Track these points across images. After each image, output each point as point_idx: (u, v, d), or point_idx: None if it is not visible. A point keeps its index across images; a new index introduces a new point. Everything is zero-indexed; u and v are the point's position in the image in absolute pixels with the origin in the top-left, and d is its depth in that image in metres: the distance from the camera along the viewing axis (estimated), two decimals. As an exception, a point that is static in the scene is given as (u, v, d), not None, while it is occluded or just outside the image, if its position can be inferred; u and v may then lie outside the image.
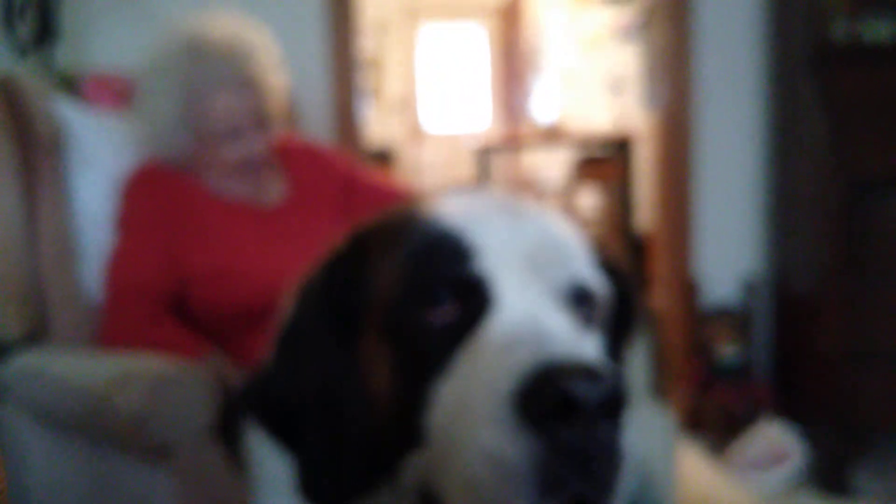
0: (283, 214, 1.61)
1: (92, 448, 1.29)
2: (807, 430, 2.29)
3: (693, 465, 2.36)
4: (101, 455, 1.28)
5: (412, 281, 0.60)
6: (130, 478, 1.25)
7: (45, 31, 2.15)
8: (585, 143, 5.05)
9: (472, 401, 0.53)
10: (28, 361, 1.41)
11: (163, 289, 1.42)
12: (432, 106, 8.91)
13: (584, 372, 0.49)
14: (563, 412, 0.48)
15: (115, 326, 1.38)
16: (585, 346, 0.62)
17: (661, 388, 1.53)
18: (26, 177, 1.58)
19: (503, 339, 0.55)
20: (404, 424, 0.58)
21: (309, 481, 0.63)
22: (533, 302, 0.59)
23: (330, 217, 1.65)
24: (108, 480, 1.30)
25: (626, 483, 0.52)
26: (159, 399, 1.14)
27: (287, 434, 0.65)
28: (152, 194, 1.51)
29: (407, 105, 8.83)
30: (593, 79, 5.66)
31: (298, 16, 2.43)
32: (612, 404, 0.49)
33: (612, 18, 5.01)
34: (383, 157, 8.57)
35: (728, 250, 2.61)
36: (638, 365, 1.46)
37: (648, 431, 1.50)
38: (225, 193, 1.58)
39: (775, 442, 2.32)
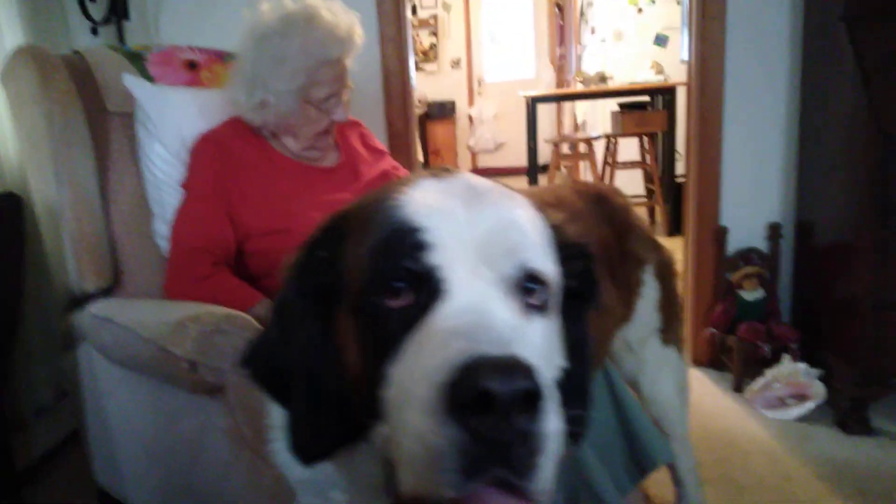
0: (335, 174, 1.68)
1: (156, 384, 1.37)
2: (828, 371, 2.25)
3: (717, 401, 2.37)
4: (163, 390, 1.35)
5: (373, 270, 0.62)
6: (189, 409, 1.33)
7: (115, 10, 2.21)
8: (630, 93, 4.89)
9: (411, 385, 0.55)
10: (101, 309, 1.50)
11: (222, 245, 1.48)
12: (489, 62, 8.79)
13: (503, 368, 0.50)
14: (481, 405, 0.49)
15: (177, 280, 1.45)
16: (530, 331, 0.62)
17: (671, 332, 1.53)
18: (100, 144, 1.66)
19: (444, 329, 0.56)
20: (370, 395, 0.60)
21: (293, 435, 0.67)
22: (481, 292, 0.60)
23: (378, 176, 1.73)
24: (171, 411, 1.39)
25: (554, 468, 0.53)
26: (208, 346, 1.20)
27: (279, 392, 0.69)
28: (217, 156, 1.56)
29: (465, 62, 8.74)
30: (641, 32, 5.47)
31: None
32: (528, 398, 0.50)
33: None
34: (445, 111, 8.58)
35: (756, 197, 2.53)
36: (648, 312, 1.47)
37: (658, 373, 1.52)
38: (292, 157, 1.65)
39: (796, 381, 2.29)
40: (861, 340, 2.05)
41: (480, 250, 0.62)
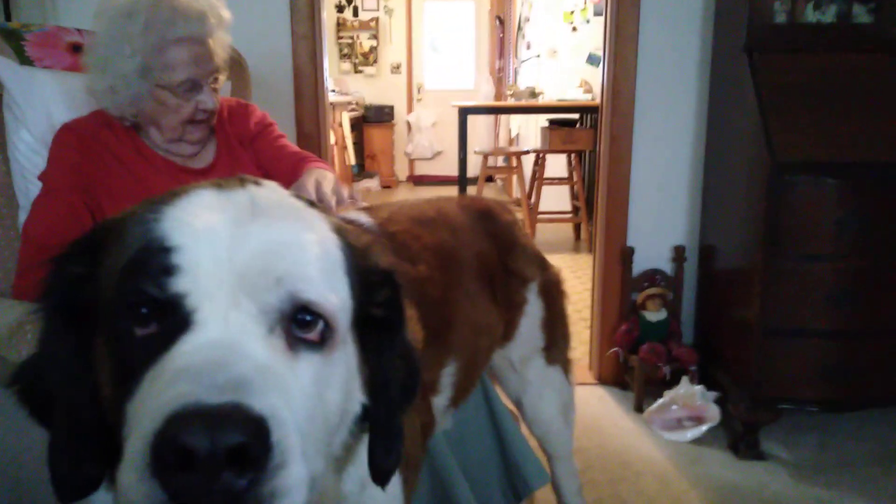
0: (208, 174, 1.56)
1: (2, 391, 1.26)
2: (724, 394, 2.29)
3: (616, 420, 2.38)
4: (10, 398, 1.25)
5: (119, 292, 0.56)
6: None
7: (3, -15, 2.08)
8: (559, 109, 4.94)
9: (131, 430, 0.49)
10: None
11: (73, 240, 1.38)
12: (430, 69, 8.79)
13: (209, 420, 0.45)
14: (182, 462, 0.44)
15: (25, 278, 1.34)
16: (295, 370, 0.56)
17: (556, 352, 1.51)
18: (-36, 128, 1.54)
19: (174, 368, 0.51)
20: (119, 431, 0.54)
21: (51, 465, 0.60)
22: (234, 325, 0.54)
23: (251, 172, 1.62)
24: (18, 421, 1.28)
25: None
26: (49, 351, 1.10)
27: (43, 416, 0.62)
28: (78, 147, 1.44)
29: (406, 67, 8.72)
30: (575, 50, 5.55)
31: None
32: (242, 454, 0.45)
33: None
34: (382, 115, 8.52)
35: (663, 219, 2.57)
36: (531, 330, 1.44)
37: (542, 393, 1.49)
38: (160, 151, 1.53)
39: (693, 403, 2.32)
40: (751, 365, 2.08)
41: (242, 277, 0.55)
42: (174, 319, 0.54)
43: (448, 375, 1.13)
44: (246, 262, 0.56)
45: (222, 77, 1.57)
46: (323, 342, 0.59)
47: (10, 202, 1.58)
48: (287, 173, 1.59)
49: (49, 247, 1.32)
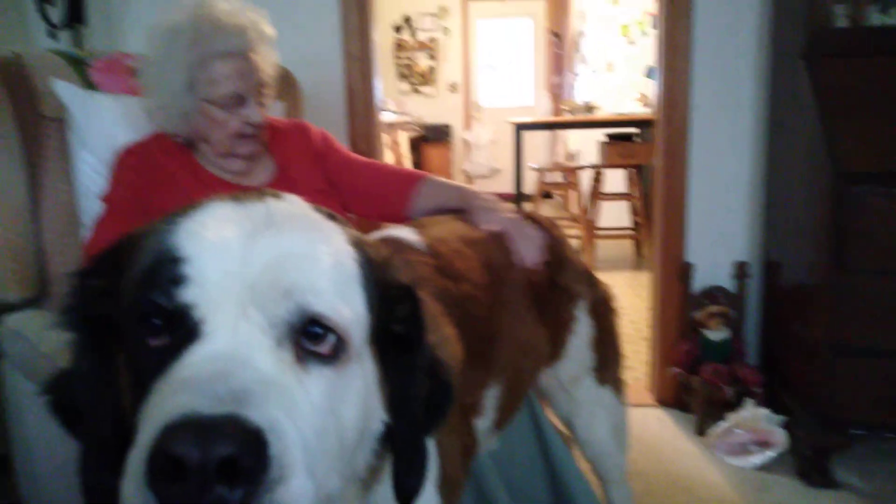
0: None
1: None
2: (791, 418, 2.18)
3: (677, 443, 2.30)
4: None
5: (133, 303, 0.57)
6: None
7: (74, 15, 2.19)
8: (616, 123, 4.87)
9: (137, 440, 0.50)
10: (15, 321, 1.44)
11: None
12: (487, 87, 8.83)
13: (202, 431, 0.45)
14: (174, 473, 0.44)
15: (85, 294, 1.39)
16: (304, 384, 0.55)
17: (607, 372, 1.47)
18: (33, 149, 1.61)
19: (179, 378, 0.51)
20: None
21: (81, 475, 0.61)
22: (242, 336, 0.53)
23: (315, 197, 1.63)
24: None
25: None
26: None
27: (75, 426, 0.64)
28: (136, 168, 1.50)
29: (462, 87, 8.78)
30: (631, 63, 5.48)
31: (316, 4, 2.39)
32: (231, 468, 0.45)
33: (648, 5, 4.81)
34: (440, 133, 8.59)
35: (723, 234, 2.48)
36: (581, 349, 1.40)
37: (593, 415, 1.45)
38: (215, 170, 1.57)
39: (759, 427, 2.22)
40: (820, 387, 1.98)
41: (251, 289, 0.55)
42: (183, 330, 0.54)
43: (492, 397, 1.11)
44: (256, 274, 0.56)
45: (269, 92, 1.60)
46: (335, 356, 0.58)
47: (73, 221, 1.64)
48: (374, 185, 1.63)
49: None
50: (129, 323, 0.57)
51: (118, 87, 1.76)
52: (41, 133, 1.64)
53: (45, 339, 1.26)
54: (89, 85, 1.72)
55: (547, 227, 1.38)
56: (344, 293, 0.60)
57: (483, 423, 1.10)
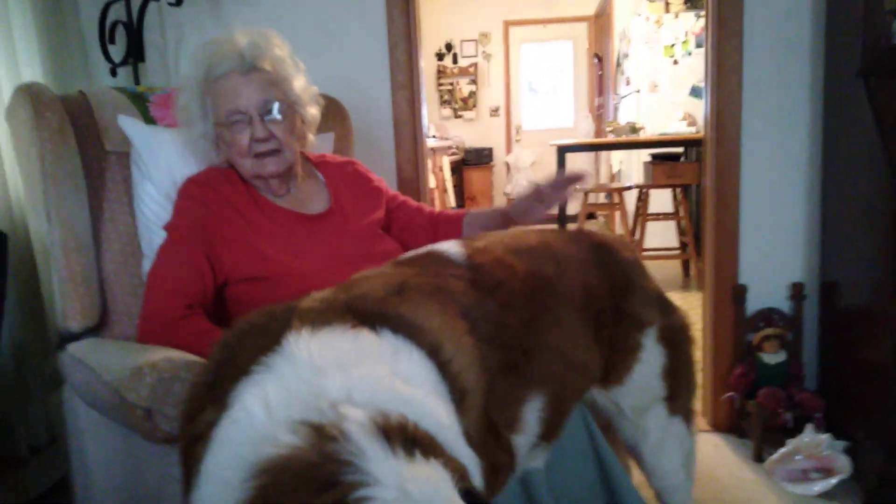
0: (322, 221, 1.63)
1: (125, 429, 1.33)
2: (855, 444, 2.10)
3: (734, 470, 2.23)
4: (131, 435, 1.30)
5: None
6: (152, 458, 1.29)
7: (133, 52, 2.27)
8: (660, 144, 4.82)
9: None
10: (77, 349, 1.48)
11: (197, 288, 1.45)
12: (528, 110, 8.86)
13: None
14: None
15: (148, 322, 1.43)
16: None
17: (679, 402, 1.43)
18: (96, 183, 1.67)
19: None
20: None
21: None
22: None
23: (365, 228, 1.67)
24: (138, 458, 1.35)
25: None
26: (165, 394, 1.16)
27: None
28: (198, 198, 1.54)
29: (504, 110, 8.82)
30: (676, 83, 5.45)
31: (364, 35, 2.44)
32: None
33: (693, 24, 4.79)
34: (481, 157, 8.63)
35: (778, 255, 2.42)
36: (648, 379, 1.37)
37: (663, 444, 1.41)
38: (272, 198, 1.61)
39: (820, 453, 2.14)
40: (886, 412, 1.90)
41: None
42: None
43: (533, 411, 1.08)
44: None
45: (295, 109, 1.61)
46: None
47: (135, 251, 1.69)
48: (424, 227, 1.77)
49: (171, 290, 1.42)
50: None
51: (175, 121, 1.82)
52: (104, 167, 1.70)
53: (106, 367, 1.29)
54: (149, 119, 1.79)
55: (616, 248, 1.35)
56: None
57: (525, 439, 1.07)
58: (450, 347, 0.89)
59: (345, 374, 0.74)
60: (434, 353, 0.87)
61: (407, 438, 0.66)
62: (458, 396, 0.86)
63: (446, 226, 1.76)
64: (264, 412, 0.71)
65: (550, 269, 1.19)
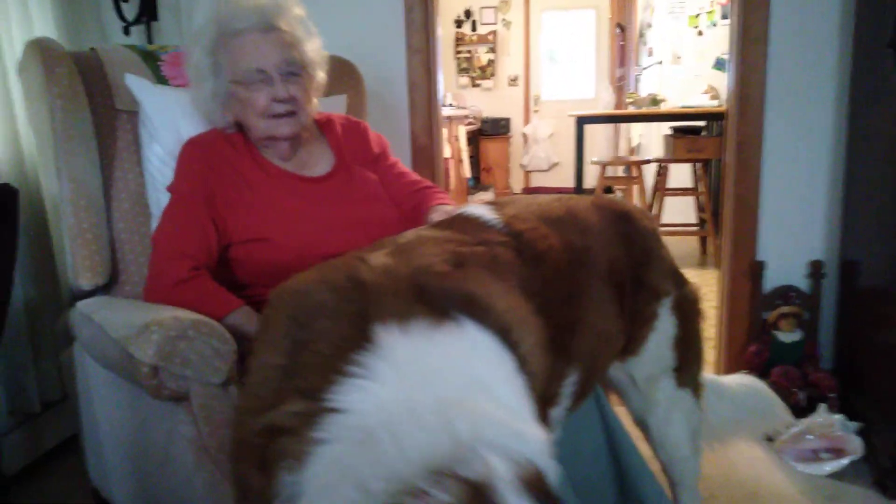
0: (324, 183, 1.62)
1: (132, 387, 1.35)
2: (868, 426, 2.08)
3: (743, 447, 2.23)
4: (138, 393, 1.32)
5: None
6: (158, 415, 1.31)
7: (146, 11, 2.26)
8: (682, 117, 4.74)
9: None
10: (86, 305, 1.50)
11: (203, 249, 1.45)
12: (547, 80, 8.75)
13: None
14: None
15: (155, 282, 1.43)
16: None
17: (688, 374, 1.42)
18: (106, 141, 1.67)
19: None
20: None
21: None
22: None
23: (369, 191, 1.66)
24: (144, 415, 1.37)
25: None
26: (171, 352, 1.17)
27: None
28: (201, 159, 1.54)
29: (523, 80, 8.71)
30: (700, 55, 5.34)
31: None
32: None
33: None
34: (498, 127, 8.56)
35: (797, 232, 2.39)
36: (661, 348, 1.37)
37: (670, 416, 1.41)
38: (276, 160, 1.60)
39: (832, 433, 2.13)
40: (902, 393, 1.88)
41: None
42: None
43: (570, 385, 1.08)
44: None
45: (316, 77, 1.61)
46: None
47: (144, 212, 1.70)
48: (406, 199, 1.66)
49: (177, 251, 1.42)
50: None
51: (186, 81, 1.81)
52: (114, 125, 1.70)
53: (114, 324, 1.30)
54: (160, 79, 1.78)
55: (637, 218, 1.33)
56: None
57: (558, 412, 1.08)
58: (518, 330, 0.86)
59: (468, 410, 0.68)
60: (505, 335, 0.83)
61: (541, 491, 0.63)
62: (527, 381, 0.84)
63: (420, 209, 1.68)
64: (393, 445, 0.64)
65: (579, 240, 1.18)
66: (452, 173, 6.15)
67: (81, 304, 1.52)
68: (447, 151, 5.81)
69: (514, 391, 0.78)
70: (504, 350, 0.82)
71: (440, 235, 1.03)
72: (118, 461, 1.53)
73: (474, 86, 8.76)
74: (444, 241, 1.00)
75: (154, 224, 1.66)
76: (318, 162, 1.66)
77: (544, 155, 8.74)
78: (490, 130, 8.47)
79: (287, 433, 0.71)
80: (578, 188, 4.88)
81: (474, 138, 8.12)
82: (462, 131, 7.15)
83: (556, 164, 8.76)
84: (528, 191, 8.90)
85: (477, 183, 8.18)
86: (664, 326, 1.34)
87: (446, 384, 0.71)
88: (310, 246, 1.47)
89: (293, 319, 0.82)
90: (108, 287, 1.64)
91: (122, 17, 2.29)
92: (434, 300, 0.82)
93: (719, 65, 5.01)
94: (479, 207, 1.14)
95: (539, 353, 0.90)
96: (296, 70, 1.54)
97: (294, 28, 1.56)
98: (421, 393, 0.69)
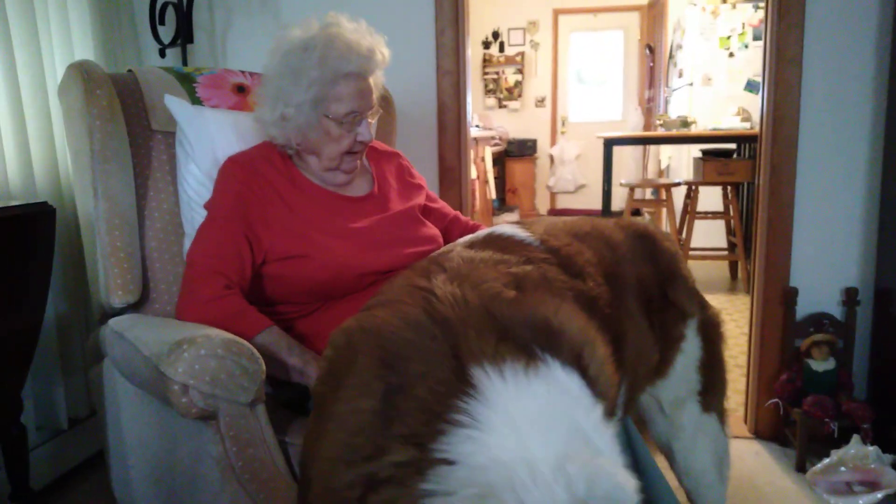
0: (364, 203, 1.67)
1: (161, 404, 1.37)
2: (905, 457, 2.04)
3: (774, 479, 2.19)
4: (167, 411, 1.35)
5: None
6: (186, 434, 1.32)
7: (182, 34, 2.32)
8: (712, 139, 4.72)
9: None
10: (118, 323, 1.53)
11: (236, 268, 1.48)
12: (575, 102, 8.77)
13: None
14: None
15: (187, 300, 1.46)
16: None
17: (713, 398, 1.42)
18: (142, 161, 1.71)
19: None
20: None
21: None
22: None
23: (407, 212, 1.70)
24: (172, 433, 1.39)
25: None
26: (202, 370, 1.19)
27: None
28: (240, 178, 1.57)
29: (550, 101, 8.74)
30: (731, 77, 5.32)
31: (411, 19, 2.45)
32: None
33: (751, 16, 4.67)
34: (525, 148, 8.58)
35: (831, 258, 2.36)
36: (687, 370, 1.36)
37: (695, 442, 1.40)
38: (317, 181, 1.65)
39: (867, 466, 2.09)
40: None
41: None
42: None
43: (621, 395, 1.09)
44: None
45: (376, 113, 1.67)
46: None
47: (176, 231, 1.73)
48: (443, 226, 1.80)
49: (210, 269, 1.45)
50: None
51: (221, 103, 1.86)
52: (150, 146, 1.74)
53: (145, 341, 1.33)
54: (195, 100, 1.82)
55: (659, 239, 1.35)
56: None
57: (615, 424, 1.08)
58: (588, 351, 0.85)
59: (580, 464, 0.67)
60: (578, 362, 0.82)
61: None
62: (602, 407, 0.82)
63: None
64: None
65: (609, 255, 1.18)
66: (478, 194, 6.17)
67: (113, 322, 1.55)
68: (473, 172, 5.84)
69: (606, 436, 0.77)
70: (584, 385, 0.80)
71: (487, 256, 1.02)
72: (144, 478, 1.55)
73: (501, 107, 8.81)
74: (495, 262, 0.99)
75: (187, 243, 1.69)
76: (358, 184, 1.71)
77: (571, 177, 8.73)
78: (516, 151, 8.50)
79: (392, 484, 0.69)
80: (606, 210, 4.87)
81: (500, 159, 8.15)
82: (488, 152, 7.18)
83: (582, 186, 8.74)
84: (554, 212, 8.89)
85: (502, 204, 8.20)
86: (691, 348, 1.34)
87: (557, 436, 0.70)
88: (347, 263, 1.51)
89: (380, 361, 0.79)
90: (138, 305, 1.67)
91: (158, 39, 2.35)
92: (516, 336, 0.80)
93: (751, 86, 4.99)
94: (508, 227, 1.16)
95: (605, 370, 0.89)
96: (375, 111, 1.64)
97: (380, 74, 1.66)
98: (538, 447, 0.67)
